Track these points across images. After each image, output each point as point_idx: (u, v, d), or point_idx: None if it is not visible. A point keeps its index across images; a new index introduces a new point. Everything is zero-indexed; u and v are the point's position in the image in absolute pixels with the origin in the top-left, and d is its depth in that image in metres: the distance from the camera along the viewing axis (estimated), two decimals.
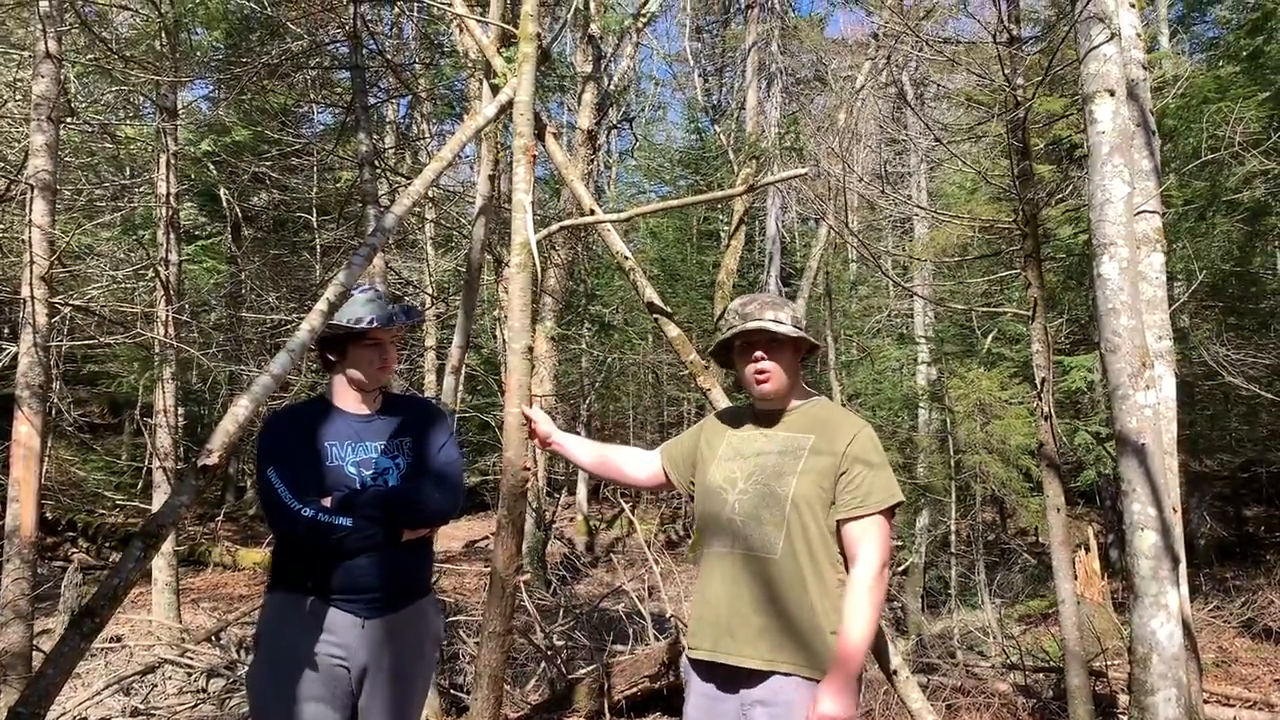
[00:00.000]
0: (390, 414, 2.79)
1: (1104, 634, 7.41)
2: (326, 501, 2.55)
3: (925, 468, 12.36)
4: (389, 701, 2.65)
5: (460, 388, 6.24)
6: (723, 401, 3.47)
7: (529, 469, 3.07)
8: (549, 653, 6.82)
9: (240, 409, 2.38)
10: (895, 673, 3.10)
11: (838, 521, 2.38)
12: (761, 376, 2.51)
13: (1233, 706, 5.92)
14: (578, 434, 20.82)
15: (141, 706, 6.29)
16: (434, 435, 2.83)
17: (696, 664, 2.48)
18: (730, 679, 2.39)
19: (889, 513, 2.39)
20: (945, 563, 11.68)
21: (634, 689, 5.54)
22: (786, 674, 2.33)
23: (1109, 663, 6.72)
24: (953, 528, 11.60)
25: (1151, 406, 4.97)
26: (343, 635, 2.58)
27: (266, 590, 2.70)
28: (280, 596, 2.63)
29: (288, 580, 2.63)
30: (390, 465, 2.72)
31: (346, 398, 2.74)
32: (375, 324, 2.70)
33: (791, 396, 2.57)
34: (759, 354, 2.51)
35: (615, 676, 5.58)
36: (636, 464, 2.90)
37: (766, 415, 2.57)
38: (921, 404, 13.17)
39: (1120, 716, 5.40)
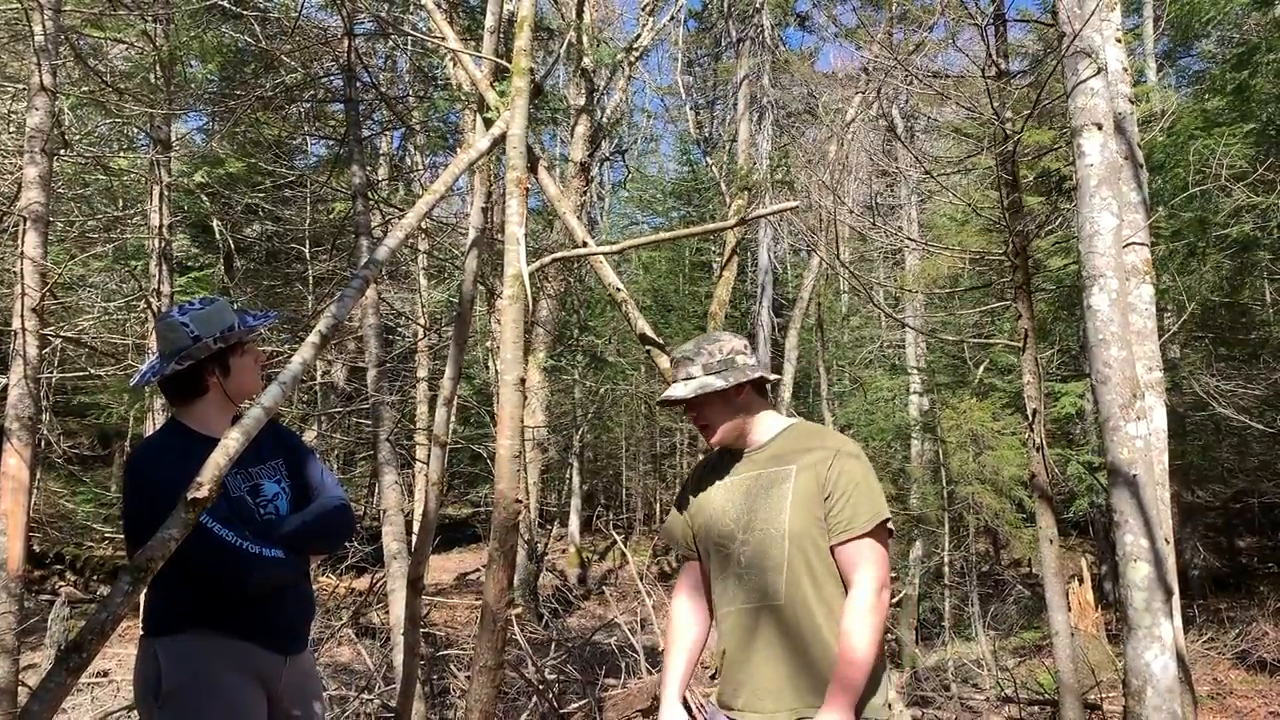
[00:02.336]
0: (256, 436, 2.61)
1: (1098, 666, 7.38)
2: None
3: (918, 498, 12.36)
4: None
5: (452, 419, 6.23)
6: None
7: (521, 501, 3.06)
8: (540, 687, 6.76)
9: (231, 442, 2.36)
10: (889, 705, 3.07)
11: (831, 548, 2.31)
12: (704, 433, 2.49)
13: None
14: (569, 465, 20.67)
15: None
16: (303, 456, 2.78)
17: (726, 708, 2.43)
18: None
19: (880, 531, 2.29)
20: (939, 594, 11.66)
21: None
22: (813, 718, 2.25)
23: (1104, 695, 6.69)
24: (946, 559, 11.58)
25: (1143, 437, 4.98)
26: (269, 674, 2.53)
27: (153, 634, 2.48)
28: (198, 639, 2.45)
29: (205, 622, 2.46)
30: (277, 490, 2.65)
31: (217, 423, 2.53)
32: (261, 323, 2.61)
33: (756, 431, 2.49)
34: (690, 414, 2.50)
35: (608, 710, 5.54)
36: (697, 606, 2.60)
37: (744, 455, 2.50)
38: (914, 434, 13.19)
39: None
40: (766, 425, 2.50)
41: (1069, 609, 6.69)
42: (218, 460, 2.34)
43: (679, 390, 2.47)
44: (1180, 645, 4.92)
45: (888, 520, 2.31)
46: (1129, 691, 4.87)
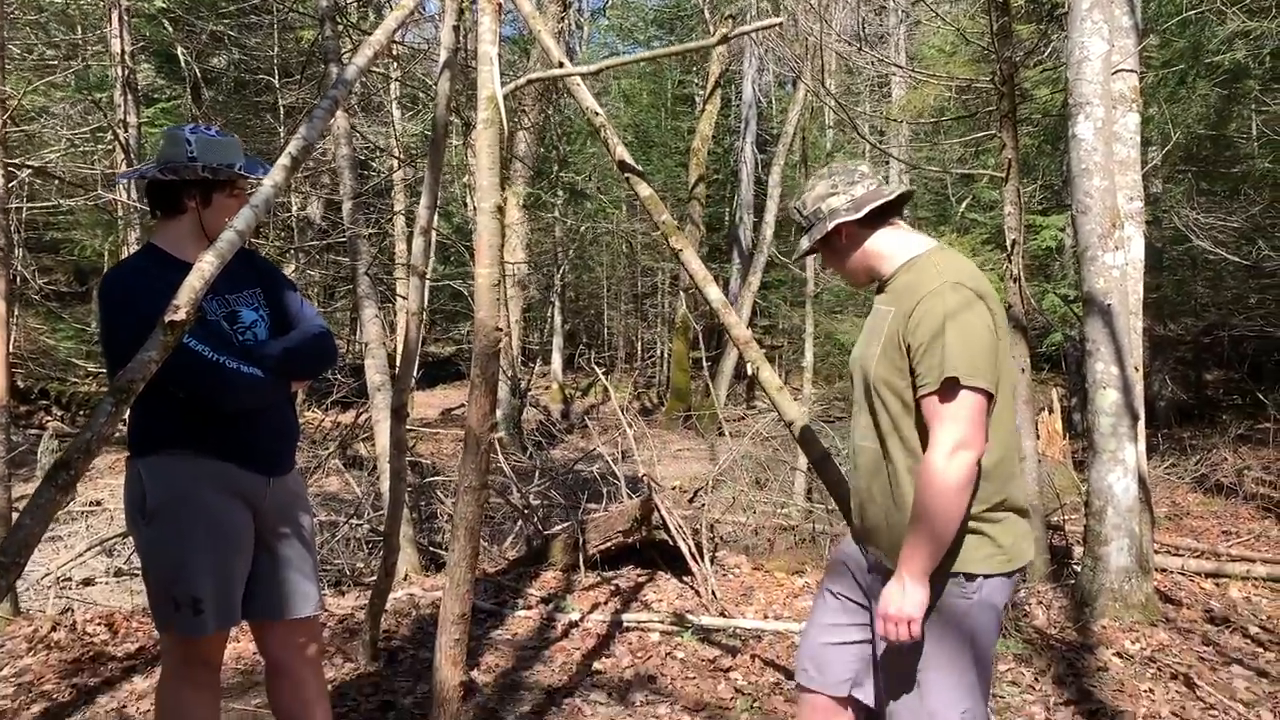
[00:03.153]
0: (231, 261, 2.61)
1: (1063, 490, 7.66)
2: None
3: None
4: (299, 554, 2.73)
5: (431, 253, 6.19)
6: (695, 263, 3.46)
7: (501, 330, 3.07)
8: (525, 511, 6.98)
9: (206, 264, 2.34)
10: (980, 577, 3.17)
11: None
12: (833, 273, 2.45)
13: (1181, 556, 6.18)
14: (551, 304, 20.60)
15: (125, 567, 6.41)
16: (281, 285, 2.81)
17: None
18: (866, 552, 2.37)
19: (949, 390, 2.07)
20: None
21: (608, 543, 5.70)
22: (883, 564, 2.25)
23: (1067, 517, 6.97)
24: None
25: (1120, 267, 5.02)
26: (253, 494, 2.60)
27: (138, 455, 2.53)
28: (180, 459, 2.50)
29: (185, 442, 2.50)
30: (255, 318, 2.67)
31: (191, 251, 2.48)
32: (261, 175, 2.59)
33: (882, 265, 2.34)
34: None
35: (590, 532, 5.73)
36: None
37: (878, 288, 2.40)
38: None
39: (1075, 567, 5.63)
40: (892, 257, 2.33)
41: (1038, 437, 6.89)
42: (193, 283, 2.32)
43: (802, 244, 2.43)
44: (1142, 469, 5.10)
45: (958, 380, 2.06)
46: (1090, 511, 5.09)
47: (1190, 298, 13.55)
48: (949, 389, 2.07)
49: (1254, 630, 4.75)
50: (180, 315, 2.28)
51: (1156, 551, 5.71)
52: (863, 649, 2.37)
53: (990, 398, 2.11)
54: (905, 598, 2.08)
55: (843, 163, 2.46)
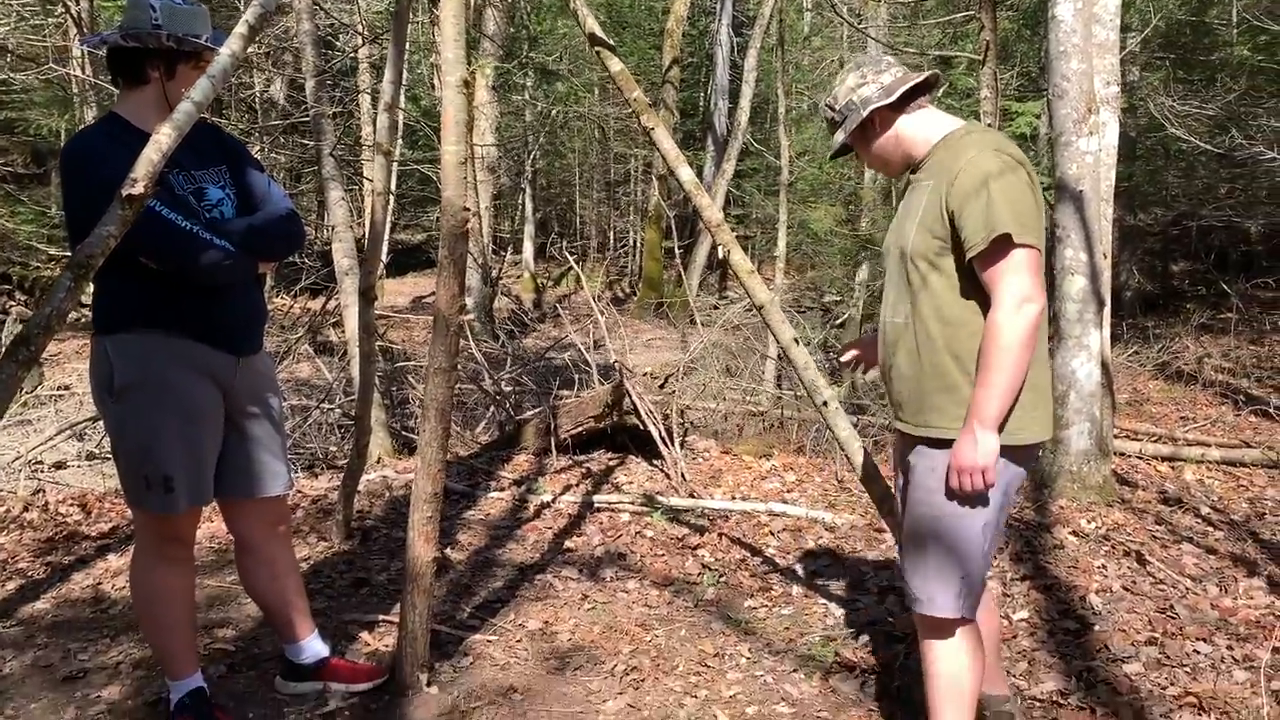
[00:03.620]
0: (193, 137, 2.53)
1: None
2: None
3: (869, 222, 12.47)
4: (269, 433, 2.74)
5: (399, 132, 6.04)
6: (667, 143, 3.40)
7: (469, 210, 3.03)
8: (497, 397, 7.02)
9: (164, 137, 2.27)
10: (825, 404, 3.23)
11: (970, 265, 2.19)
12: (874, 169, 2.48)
13: (1140, 440, 6.33)
14: (522, 191, 20.28)
15: (96, 450, 6.41)
16: (247, 163, 2.76)
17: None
18: (903, 438, 2.43)
19: (1001, 248, 2.11)
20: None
21: (579, 428, 5.76)
22: (927, 438, 2.30)
23: None
24: None
25: (1093, 153, 5.00)
26: (221, 373, 2.59)
27: (104, 332, 2.50)
28: (148, 337, 2.48)
29: (153, 321, 2.48)
30: (222, 195, 2.62)
31: (154, 121, 2.36)
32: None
33: (916, 148, 2.37)
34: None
35: (561, 417, 5.78)
36: None
37: (913, 170, 2.43)
38: None
39: None
40: (927, 139, 2.37)
41: None
42: (150, 156, 2.26)
43: (835, 140, 2.44)
44: (1106, 355, 5.17)
45: (1009, 236, 2.09)
46: (1053, 396, 5.17)
47: (1161, 187, 13.56)
48: (1001, 246, 2.12)
49: (1205, 511, 4.91)
50: (138, 189, 2.23)
51: (1116, 436, 5.84)
52: None
53: (1040, 254, 2.17)
54: (978, 446, 2.15)
55: (867, 54, 2.49)
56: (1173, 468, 5.86)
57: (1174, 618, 3.49)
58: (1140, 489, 5.32)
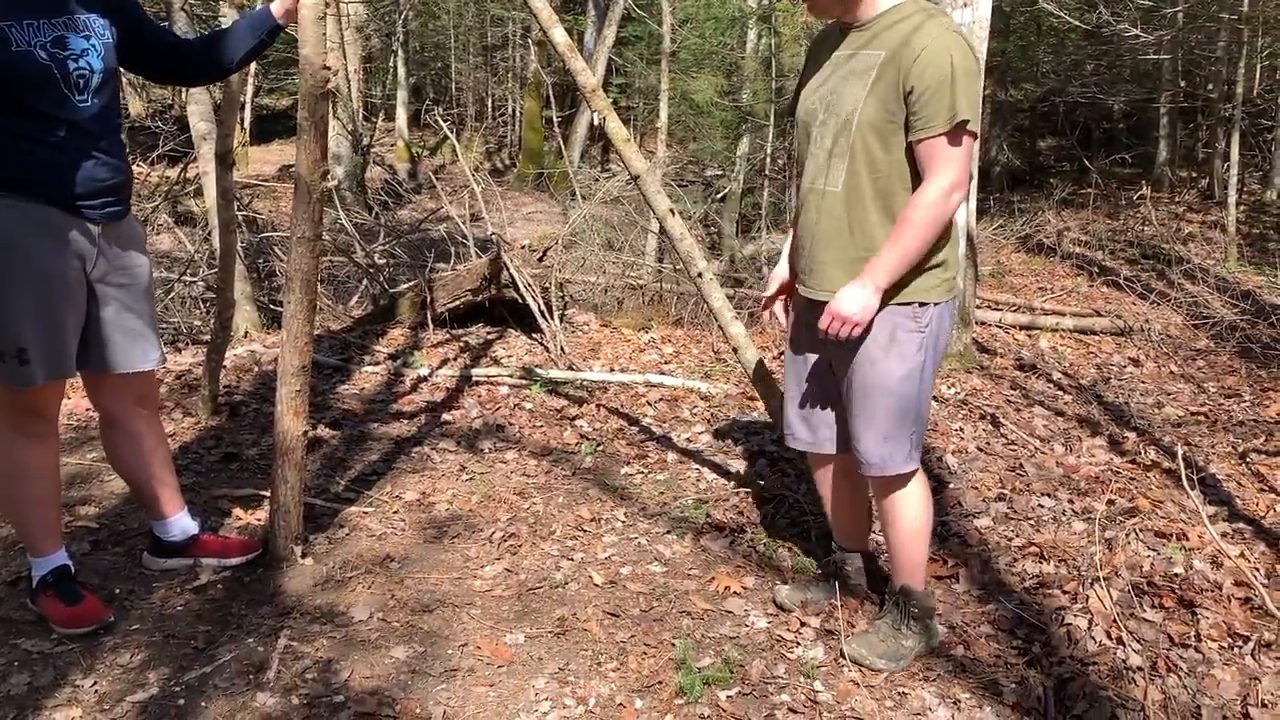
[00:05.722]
0: None
1: None
2: None
3: (749, 93, 12.37)
4: (137, 304, 2.62)
5: None
6: (539, 1, 3.27)
7: (330, 68, 2.87)
8: (371, 270, 6.84)
9: None
10: (700, 275, 3.25)
11: (910, 145, 2.22)
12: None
13: (1000, 310, 6.61)
14: (394, 54, 19.36)
15: None
16: (129, 7, 2.59)
17: (796, 294, 2.52)
18: (815, 309, 2.41)
19: (958, 133, 2.17)
20: (761, 188, 12.04)
21: (456, 302, 5.67)
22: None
23: None
24: (769, 153, 11.86)
25: (966, 25, 5.03)
26: (82, 243, 2.44)
27: None
28: (1, 204, 2.34)
29: (6, 186, 2.33)
30: (86, 46, 2.42)
31: None
32: None
33: (864, 5, 2.29)
34: None
35: (438, 290, 5.68)
36: None
37: (851, 30, 2.35)
38: (750, 25, 12.91)
39: None
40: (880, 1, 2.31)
41: None
42: None
43: None
44: (971, 228, 5.33)
45: (968, 122, 2.16)
46: None
47: (1032, 64, 13.84)
48: (957, 132, 2.17)
49: (1057, 376, 5.20)
50: None
51: (978, 306, 6.08)
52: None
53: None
54: (860, 300, 2.23)
55: None
56: (1029, 336, 6.16)
57: (1022, 475, 3.72)
58: (999, 356, 5.58)
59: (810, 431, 2.61)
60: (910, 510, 2.48)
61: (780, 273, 2.64)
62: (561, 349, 5.30)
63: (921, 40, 2.17)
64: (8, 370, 2.39)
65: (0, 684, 2.33)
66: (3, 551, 2.98)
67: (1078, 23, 8.71)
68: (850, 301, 2.24)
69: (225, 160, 3.80)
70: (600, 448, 4.03)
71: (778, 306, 2.68)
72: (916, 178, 2.24)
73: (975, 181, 5.30)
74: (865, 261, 2.27)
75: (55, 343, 2.43)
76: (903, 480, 2.46)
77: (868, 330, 2.30)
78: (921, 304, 2.30)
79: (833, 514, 2.78)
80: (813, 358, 2.54)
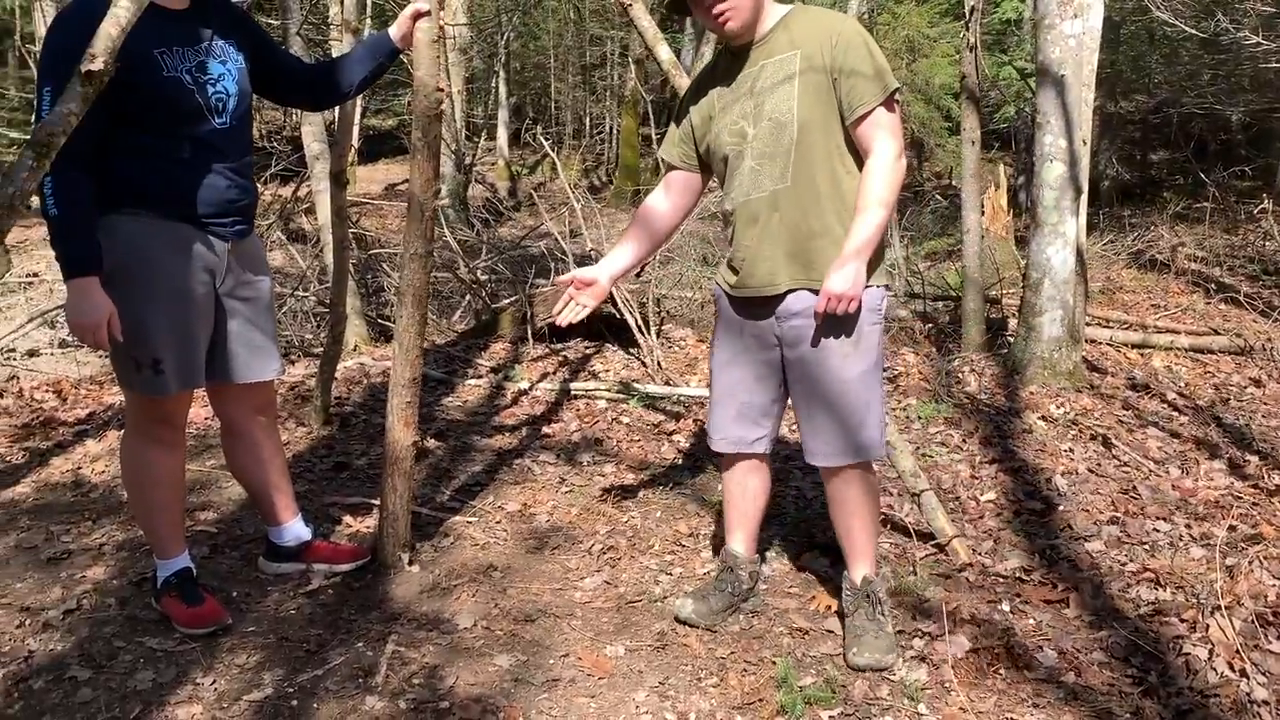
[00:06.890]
0: (199, 12, 2.52)
1: (1003, 265, 7.80)
2: None
3: None
4: (260, 317, 2.73)
5: (367, 10, 5.84)
6: (645, 20, 3.32)
7: (443, 89, 2.95)
8: (473, 286, 6.98)
9: (121, 10, 2.19)
10: (889, 284, 3.24)
11: (847, 128, 2.37)
12: (723, 17, 2.36)
13: (1111, 328, 6.40)
14: (495, 74, 19.79)
15: (69, 339, 6.36)
16: (259, 36, 2.70)
17: (732, 300, 2.58)
18: (764, 305, 2.48)
19: (889, 103, 2.34)
20: None
21: (555, 317, 5.75)
22: (813, 289, 2.41)
23: (1005, 291, 7.14)
24: None
25: (1076, 36, 4.92)
26: (212, 259, 2.56)
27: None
28: (136, 220, 2.44)
29: (142, 203, 2.44)
30: (223, 71, 2.53)
31: None
32: None
33: (763, 22, 2.43)
34: (720, 2, 2.35)
35: (537, 305, 5.77)
36: (661, 205, 2.71)
37: (746, 50, 2.45)
38: None
39: (1009, 338, 5.82)
40: (770, 14, 2.45)
41: (983, 211, 6.95)
42: (108, 31, 2.18)
43: None
44: (1081, 243, 5.19)
45: (897, 90, 2.36)
46: (1028, 284, 5.21)
47: (1144, 74, 13.39)
48: (890, 101, 2.35)
49: (1171, 396, 5.01)
50: (97, 65, 2.15)
51: (1088, 324, 5.90)
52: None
53: None
54: (850, 274, 2.32)
55: None
56: (1142, 354, 5.95)
57: (1136, 498, 3.59)
58: (1109, 375, 5.41)
59: (743, 433, 2.66)
60: (874, 498, 2.60)
61: (594, 271, 2.72)
62: (658, 364, 5.33)
63: (833, 26, 2.36)
64: (144, 380, 2.51)
65: (127, 679, 2.44)
66: (126, 554, 3.12)
67: (1194, 31, 8.40)
68: (842, 278, 2.31)
69: (340, 179, 3.94)
70: (697, 463, 4.03)
71: (572, 288, 2.76)
72: (854, 155, 2.39)
73: (1085, 196, 5.16)
74: (818, 246, 2.39)
75: (187, 354, 2.55)
76: (871, 467, 2.57)
77: (839, 326, 2.39)
78: (884, 287, 2.45)
79: (738, 518, 2.84)
80: (752, 359, 2.59)
